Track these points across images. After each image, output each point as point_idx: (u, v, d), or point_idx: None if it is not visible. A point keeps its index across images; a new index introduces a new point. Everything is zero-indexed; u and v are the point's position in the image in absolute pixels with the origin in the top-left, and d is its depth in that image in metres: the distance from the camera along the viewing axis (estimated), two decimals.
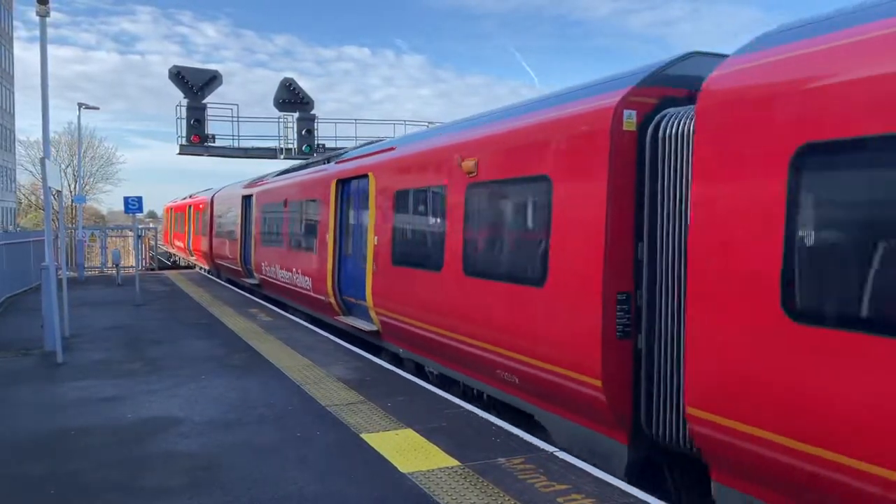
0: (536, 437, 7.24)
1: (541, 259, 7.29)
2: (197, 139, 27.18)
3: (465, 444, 6.98)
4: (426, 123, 29.02)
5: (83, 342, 12.82)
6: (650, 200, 6.28)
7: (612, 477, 6.12)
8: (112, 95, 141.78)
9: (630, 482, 6.23)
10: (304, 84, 28.75)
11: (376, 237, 11.53)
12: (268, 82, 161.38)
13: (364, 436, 7.24)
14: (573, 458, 6.60)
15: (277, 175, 19.47)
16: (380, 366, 10.73)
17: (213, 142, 27.79)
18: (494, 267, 8.21)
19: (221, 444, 7.04)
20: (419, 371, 10.57)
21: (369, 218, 11.82)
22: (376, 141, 15.29)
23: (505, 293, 7.86)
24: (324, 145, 28.52)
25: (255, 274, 20.71)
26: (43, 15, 11.96)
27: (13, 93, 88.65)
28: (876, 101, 4.22)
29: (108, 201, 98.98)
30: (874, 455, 4.16)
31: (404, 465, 6.39)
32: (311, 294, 15.05)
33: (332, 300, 13.65)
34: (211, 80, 27.27)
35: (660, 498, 5.81)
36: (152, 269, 33.93)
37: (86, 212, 53.55)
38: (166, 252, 43.73)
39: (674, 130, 6.04)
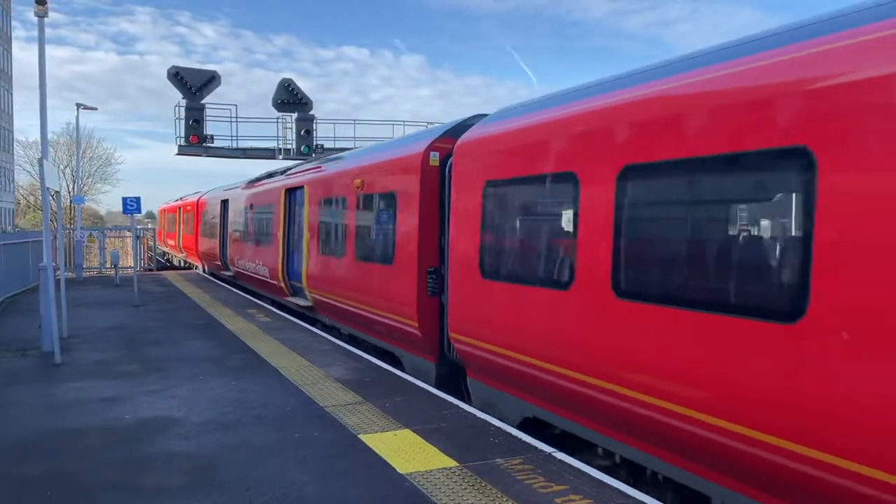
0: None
1: (391, 247, 10.95)
2: (195, 140, 27.19)
3: (464, 444, 6.98)
4: (425, 124, 29.05)
5: (81, 343, 12.81)
6: (448, 209, 9.44)
7: (610, 478, 6.12)
8: (110, 96, 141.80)
9: (438, 388, 9.56)
10: (303, 84, 28.78)
11: (308, 234, 15.33)
12: (266, 83, 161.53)
13: (362, 436, 7.24)
14: (571, 458, 6.60)
15: (247, 183, 22.81)
16: (378, 366, 10.73)
17: (212, 142, 27.79)
18: (371, 253, 11.94)
19: (220, 444, 7.04)
20: (351, 339, 13.72)
21: (304, 219, 15.56)
22: (357, 146, 22.22)
23: (375, 271, 11.68)
24: (322, 146, 28.54)
25: (230, 267, 24.38)
26: (41, 15, 11.96)
27: (11, 93, 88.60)
28: (507, 161, 8.04)
29: (107, 202, 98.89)
30: (523, 344, 7.57)
31: (402, 465, 6.39)
32: (269, 280, 18.60)
33: (283, 284, 17.19)
34: (209, 80, 27.27)
35: (658, 499, 5.81)
36: (150, 270, 33.92)
37: (84, 212, 53.63)
38: (162, 251, 44.11)
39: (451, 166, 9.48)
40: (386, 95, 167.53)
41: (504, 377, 8.14)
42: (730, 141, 5.14)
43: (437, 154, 10.07)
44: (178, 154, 27.99)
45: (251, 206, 21.15)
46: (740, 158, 5.09)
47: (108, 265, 30.09)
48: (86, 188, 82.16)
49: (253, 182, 21.97)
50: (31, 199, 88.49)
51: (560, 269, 7.00)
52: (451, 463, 6.45)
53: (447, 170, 9.70)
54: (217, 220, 26.48)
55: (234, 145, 28.52)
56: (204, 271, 31.09)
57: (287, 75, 29.83)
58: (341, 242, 13.28)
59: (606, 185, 6.31)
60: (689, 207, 5.69)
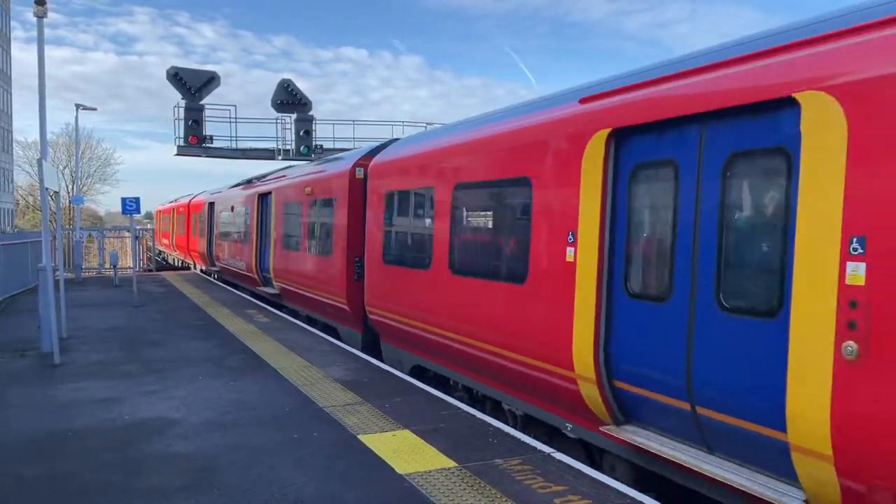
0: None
1: (330, 242, 13.86)
2: (195, 140, 27.15)
3: (463, 445, 6.98)
4: (424, 125, 29.04)
5: (80, 343, 12.80)
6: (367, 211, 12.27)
7: (609, 478, 6.13)
8: (109, 96, 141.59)
9: (364, 351, 12.28)
10: (302, 85, 28.82)
11: (275, 231, 18.30)
12: (265, 83, 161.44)
13: (361, 437, 7.24)
14: (570, 459, 6.60)
15: (230, 188, 25.98)
16: (377, 367, 10.73)
17: (211, 143, 27.75)
18: (314, 244, 15.00)
19: (218, 445, 7.03)
20: (309, 320, 16.27)
21: (273, 219, 18.58)
22: (343, 150, 23.20)
23: (318, 261, 14.70)
24: (321, 146, 28.51)
25: (216, 263, 27.17)
26: (40, 16, 11.96)
27: (10, 93, 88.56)
28: (397, 178, 11.07)
29: (106, 202, 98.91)
30: (409, 312, 10.46)
31: (401, 466, 6.39)
32: (245, 273, 21.54)
33: (256, 276, 20.20)
34: (209, 81, 27.24)
35: (656, 499, 5.82)
36: (150, 271, 33.90)
37: (83, 213, 53.62)
38: (158, 250, 44.29)
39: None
40: (385, 96, 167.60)
41: (401, 338, 11.14)
42: (499, 171, 8.29)
43: (363, 169, 12.89)
44: (178, 154, 27.96)
45: (232, 208, 24.15)
46: (504, 182, 8.22)
47: (107, 266, 30.07)
48: (85, 189, 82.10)
49: (234, 186, 25.41)
50: (31, 199, 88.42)
51: (424, 255, 10.06)
52: (450, 463, 6.45)
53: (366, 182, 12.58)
54: (205, 220, 29.08)
55: (234, 146, 28.50)
56: (193, 267, 33.92)
57: (286, 76, 29.84)
58: (298, 239, 16.44)
59: (447, 198, 9.41)
60: (484, 214, 8.88)
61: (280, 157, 28.28)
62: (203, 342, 12.94)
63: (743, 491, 5.03)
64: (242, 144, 28.78)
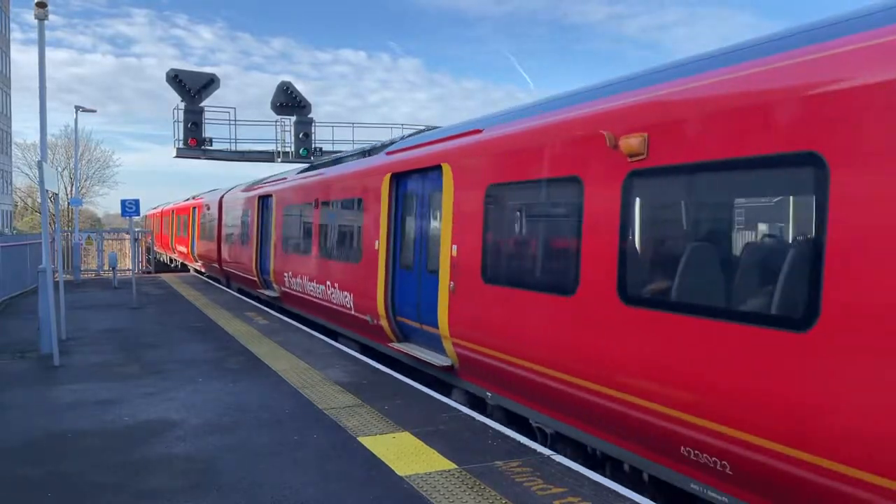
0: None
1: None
2: (194, 142, 27.16)
3: (462, 447, 6.98)
4: (423, 127, 29.03)
5: (80, 345, 12.80)
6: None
7: (609, 480, 6.14)
8: (107, 98, 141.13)
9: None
10: (300, 87, 28.85)
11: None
12: (264, 85, 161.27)
13: (361, 439, 7.24)
14: (570, 461, 6.61)
15: (205, 193, 30.87)
16: (377, 369, 10.73)
17: (211, 145, 27.75)
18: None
19: (218, 447, 7.04)
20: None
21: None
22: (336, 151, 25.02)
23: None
24: (320, 148, 28.52)
25: (197, 260, 31.38)
26: (41, 18, 11.98)
27: (10, 95, 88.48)
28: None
29: (105, 204, 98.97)
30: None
31: (401, 468, 6.40)
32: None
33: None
34: (208, 83, 27.26)
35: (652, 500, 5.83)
36: (149, 273, 33.88)
37: (82, 215, 53.59)
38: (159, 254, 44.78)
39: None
40: (383, 98, 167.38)
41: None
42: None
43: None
44: (177, 157, 27.96)
45: (204, 213, 29.09)
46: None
47: (106, 267, 30.06)
48: (84, 191, 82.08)
49: (209, 192, 30.75)
50: (29, 201, 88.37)
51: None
52: (450, 465, 6.46)
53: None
54: (188, 223, 33.81)
55: (233, 148, 28.52)
56: (182, 265, 37.40)
57: (284, 78, 29.85)
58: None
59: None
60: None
61: (279, 160, 28.29)
62: (202, 344, 12.94)
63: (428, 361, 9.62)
64: (241, 147, 28.81)
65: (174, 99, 27.34)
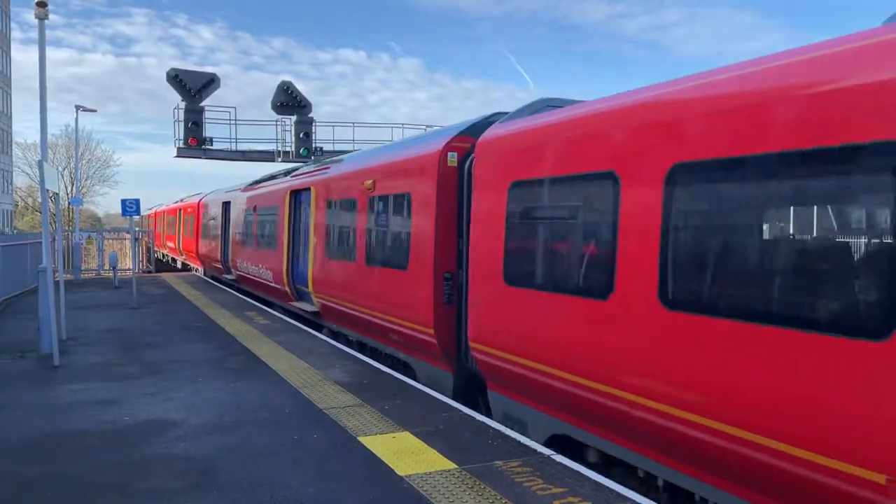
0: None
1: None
2: (194, 142, 27.17)
3: (462, 447, 6.98)
4: (423, 127, 29.07)
5: (80, 345, 12.80)
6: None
7: (609, 480, 6.13)
8: (107, 98, 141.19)
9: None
10: (301, 87, 28.77)
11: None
12: (264, 85, 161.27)
13: (361, 438, 7.24)
14: (570, 461, 6.60)
15: (192, 195, 35.31)
16: (377, 369, 10.73)
17: (211, 145, 27.78)
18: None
19: (218, 446, 7.04)
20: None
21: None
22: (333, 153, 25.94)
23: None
24: (321, 148, 28.54)
25: (182, 253, 36.93)
26: (41, 18, 11.97)
27: (10, 95, 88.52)
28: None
29: (105, 204, 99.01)
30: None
31: (401, 467, 6.39)
32: (216, 264, 26.63)
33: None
34: (209, 82, 27.27)
35: (652, 499, 5.83)
36: (149, 272, 33.90)
37: (82, 214, 53.60)
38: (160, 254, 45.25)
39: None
40: (383, 98, 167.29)
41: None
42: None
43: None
44: (178, 156, 27.97)
45: (195, 215, 32.06)
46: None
47: (106, 267, 30.06)
48: (84, 190, 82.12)
49: (197, 194, 35.27)
50: (30, 200, 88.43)
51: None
52: (450, 465, 6.45)
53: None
54: (176, 223, 38.81)
55: (233, 148, 28.53)
56: (183, 264, 40.11)
57: (284, 78, 29.86)
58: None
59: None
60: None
61: (280, 159, 28.30)
62: (202, 344, 12.94)
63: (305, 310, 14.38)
64: (242, 146, 28.82)
65: (174, 99, 27.50)
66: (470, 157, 9.33)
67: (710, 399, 5.28)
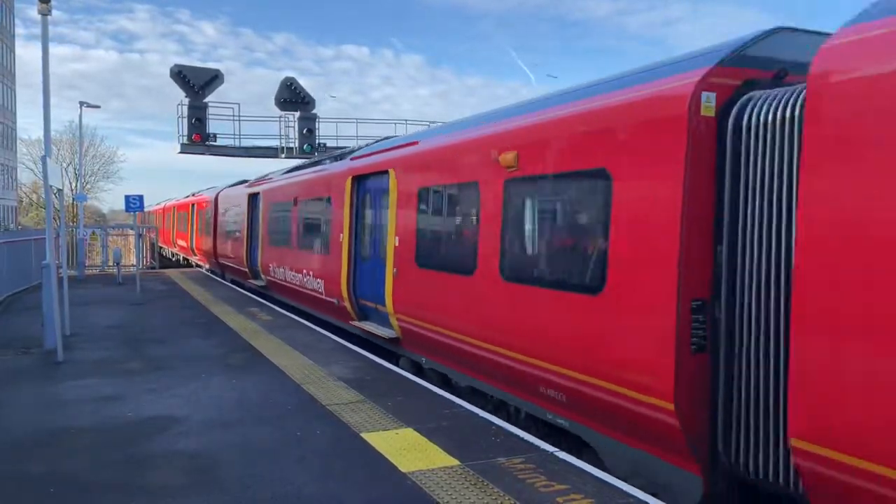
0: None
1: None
2: (198, 138, 27.21)
3: (466, 443, 6.97)
4: (427, 123, 29.03)
5: (83, 341, 12.82)
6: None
7: (612, 477, 6.11)
8: (110, 94, 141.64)
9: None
10: (303, 83, 28.72)
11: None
12: (266, 81, 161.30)
13: (364, 435, 7.23)
14: (573, 458, 6.59)
15: (207, 189, 34.17)
16: (380, 365, 10.72)
17: (215, 141, 27.80)
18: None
19: (221, 443, 7.03)
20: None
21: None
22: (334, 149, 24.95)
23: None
24: (325, 144, 28.54)
25: (176, 244, 39.65)
26: (44, 13, 11.96)
27: (14, 91, 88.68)
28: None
29: (109, 200, 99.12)
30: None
31: (404, 464, 6.38)
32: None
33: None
34: (212, 79, 27.30)
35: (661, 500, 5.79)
36: (153, 268, 33.94)
37: (86, 210, 53.72)
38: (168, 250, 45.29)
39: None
40: (385, 95, 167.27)
41: None
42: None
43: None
44: (181, 153, 28.03)
45: (212, 210, 29.06)
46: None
47: (110, 263, 30.12)
48: (88, 186, 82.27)
49: (192, 194, 37.02)
50: (34, 196, 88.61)
51: None
52: (453, 462, 6.44)
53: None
54: (173, 219, 41.87)
55: (237, 144, 28.54)
56: (185, 259, 41.44)
57: (287, 74, 29.85)
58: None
59: None
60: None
61: (283, 156, 28.31)
62: (206, 340, 12.95)
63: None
64: (245, 143, 28.84)
65: (177, 95, 27.40)
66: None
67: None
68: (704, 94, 5.68)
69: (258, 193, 20.73)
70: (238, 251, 22.89)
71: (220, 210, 26.74)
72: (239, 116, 28.43)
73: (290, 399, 8.69)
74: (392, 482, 5.98)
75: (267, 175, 21.89)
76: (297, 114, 28.47)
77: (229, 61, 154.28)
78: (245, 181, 24.53)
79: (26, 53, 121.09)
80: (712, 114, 5.69)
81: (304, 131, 28.34)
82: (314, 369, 10.38)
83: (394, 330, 11.28)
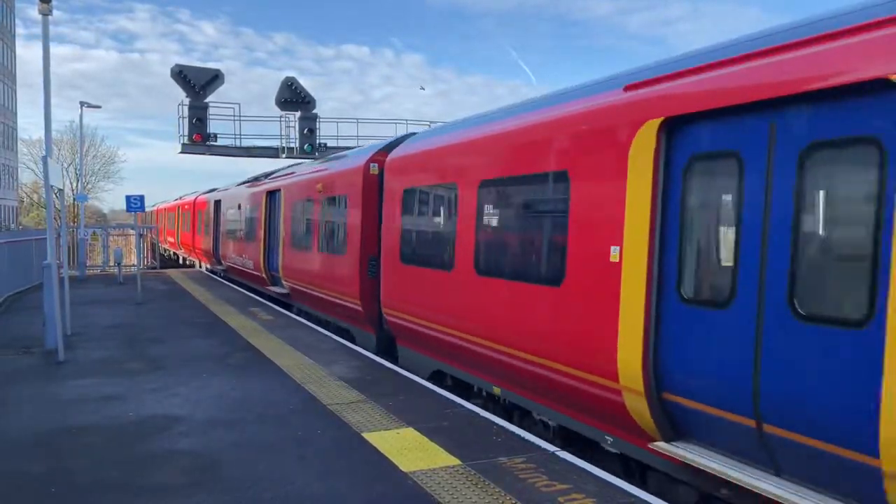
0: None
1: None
2: (199, 138, 27.19)
3: (467, 443, 6.97)
4: (428, 123, 29.02)
5: (84, 340, 12.82)
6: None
7: (614, 477, 6.11)
8: (111, 94, 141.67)
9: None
10: (304, 83, 28.72)
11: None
12: (267, 81, 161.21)
13: (365, 434, 7.23)
14: (574, 458, 6.58)
15: (178, 198, 40.11)
16: (381, 365, 10.72)
17: (216, 141, 27.79)
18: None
19: (222, 442, 7.03)
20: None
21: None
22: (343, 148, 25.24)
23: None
24: (325, 144, 28.52)
25: (167, 240, 43.94)
26: (45, 13, 11.97)
27: (15, 91, 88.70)
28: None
29: (110, 200, 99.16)
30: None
31: (405, 464, 6.38)
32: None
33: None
34: (213, 78, 27.28)
35: (662, 498, 5.79)
36: (154, 268, 33.95)
37: (87, 210, 53.78)
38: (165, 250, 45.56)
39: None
40: (386, 94, 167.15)
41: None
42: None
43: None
44: (182, 152, 28.01)
45: (190, 212, 35.34)
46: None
47: (111, 263, 30.12)
48: (89, 186, 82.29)
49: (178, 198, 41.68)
50: (35, 196, 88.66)
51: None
52: (454, 461, 6.44)
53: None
54: (170, 218, 44.66)
55: (238, 144, 28.53)
56: (183, 259, 42.83)
57: (288, 74, 29.85)
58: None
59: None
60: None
61: (284, 156, 28.30)
62: (207, 340, 12.95)
63: None
64: (246, 143, 28.83)
65: (177, 95, 27.46)
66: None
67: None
68: (371, 165, 12.49)
69: (278, 190, 18.88)
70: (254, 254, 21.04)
71: (288, 205, 20.42)
72: (240, 116, 28.43)
73: (291, 399, 8.69)
74: (393, 482, 5.98)
75: (279, 171, 20.66)
76: (298, 114, 28.45)
77: (230, 61, 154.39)
78: (249, 180, 22.95)
79: (26, 53, 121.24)
80: (377, 173, 12.40)
81: (305, 131, 28.32)
82: (315, 369, 10.38)
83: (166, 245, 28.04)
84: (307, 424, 7.61)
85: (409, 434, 7.26)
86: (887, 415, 4.19)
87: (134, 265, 29.10)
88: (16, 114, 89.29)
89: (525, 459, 6.50)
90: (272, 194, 19.88)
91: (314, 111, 28.66)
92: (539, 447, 6.85)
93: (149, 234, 38.28)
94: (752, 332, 5.09)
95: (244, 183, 24.98)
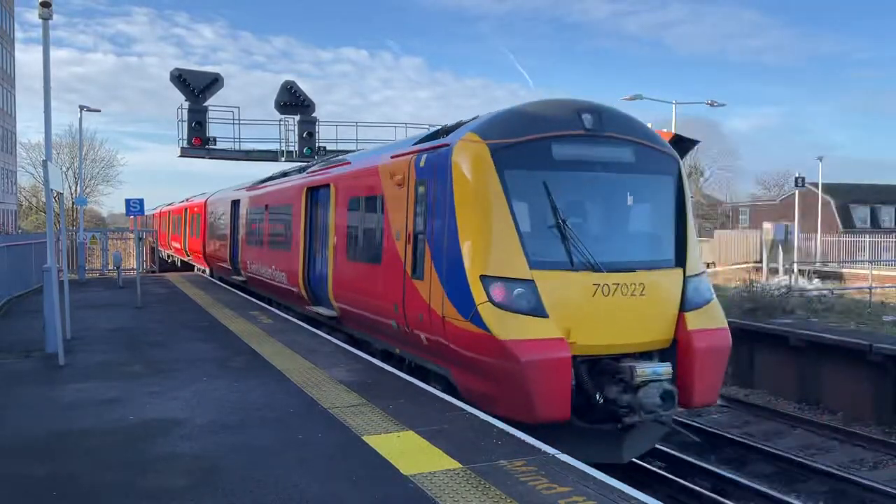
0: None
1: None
2: (198, 142, 27.16)
3: (467, 446, 6.98)
4: (427, 126, 29.04)
5: (84, 344, 12.82)
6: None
7: (615, 480, 6.12)
8: (109, 98, 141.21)
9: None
10: (303, 86, 28.72)
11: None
12: (266, 84, 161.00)
13: (366, 438, 7.24)
14: (575, 460, 6.60)
15: (185, 200, 39.36)
16: (381, 368, 10.73)
17: (215, 144, 27.79)
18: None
19: (223, 446, 7.04)
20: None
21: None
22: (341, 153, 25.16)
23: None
24: (324, 148, 28.53)
25: (168, 244, 42.79)
26: (45, 18, 11.98)
27: (14, 95, 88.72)
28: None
29: (109, 204, 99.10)
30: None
31: (406, 467, 6.39)
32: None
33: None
34: (212, 82, 27.26)
35: (659, 500, 5.81)
36: (153, 272, 33.96)
37: (86, 214, 53.76)
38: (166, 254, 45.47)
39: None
40: (385, 97, 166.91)
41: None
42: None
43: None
44: (181, 156, 27.97)
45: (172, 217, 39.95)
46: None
47: (110, 267, 30.12)
48: (88, 190, 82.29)
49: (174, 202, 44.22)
50: (34, 200, 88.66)
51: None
52: (455, 464, 6.45)
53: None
54: (166, 222, 45.00)
55: (237, 147, 28.54)
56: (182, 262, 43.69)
57: (286, 77, 29.90)
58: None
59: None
60: None
61: (283, 159, 28.31)
62: (207, 343, 12.95)
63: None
64: (245, 146, 28.83)
65: (176, 98, 27.49)
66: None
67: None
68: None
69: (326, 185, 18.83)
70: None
71: (341, 202, 25.49)
72: (239, 120, 28.43)
73: (291, 402, 8.70)
74: (394, 485, 5.99)
75: (313, 164, 20.54)
76: (297, 117, 28.44)
77: (228, 64, 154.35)
78: (276, 176, 22.58)
79: (25, 57, 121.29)
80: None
81: (304, 134, 28.31)
82: (315, 372, 10.39)
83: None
84: (308, 427, 7.62)
85: (410, 437, 7.27)
86: (330, 283, 13.72)
87: (133, 269, 29.11)
88: (14, 117, 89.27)
89: (525, 462, 6.51)
90: (314, 191, 15.98)
91: (313, 115, 28.68)
92: (540, 450, 6.86)
93: (148, 238, 38.31)
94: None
95: (268, 180, 22.80)
